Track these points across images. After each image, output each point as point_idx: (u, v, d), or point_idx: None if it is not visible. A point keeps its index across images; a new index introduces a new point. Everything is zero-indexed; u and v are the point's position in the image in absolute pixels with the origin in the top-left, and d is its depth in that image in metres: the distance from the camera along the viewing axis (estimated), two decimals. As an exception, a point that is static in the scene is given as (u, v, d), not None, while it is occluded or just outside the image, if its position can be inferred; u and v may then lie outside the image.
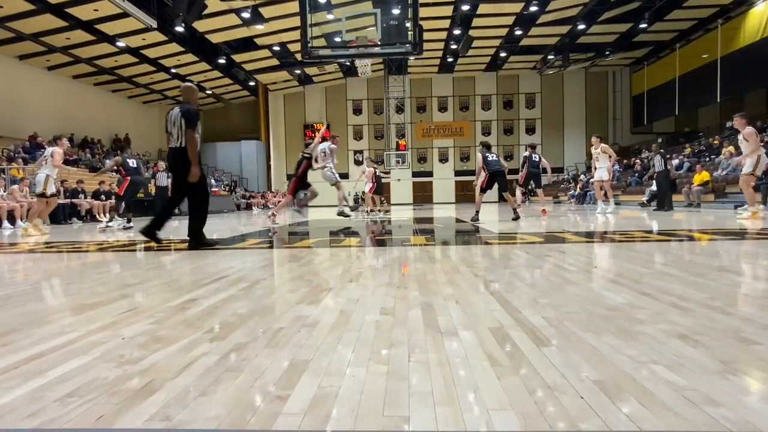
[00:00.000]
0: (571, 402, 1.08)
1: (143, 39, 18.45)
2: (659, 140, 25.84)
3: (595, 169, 10.34)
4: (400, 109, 29.93)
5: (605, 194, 10.25)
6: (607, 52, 25.34)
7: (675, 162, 15.52)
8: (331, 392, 1.16)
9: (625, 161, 24.47)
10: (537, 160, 9.74)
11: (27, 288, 2.75)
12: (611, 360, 1.32)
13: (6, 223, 9.45)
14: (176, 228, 8.91)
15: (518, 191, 11.07)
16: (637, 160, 21.10)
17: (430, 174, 32.01)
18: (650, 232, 5.61)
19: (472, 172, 32.16)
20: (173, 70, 22.41)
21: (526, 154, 9.93)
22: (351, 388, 1.18)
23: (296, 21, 15.14)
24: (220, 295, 2.35)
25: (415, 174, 31.70)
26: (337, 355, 1.42)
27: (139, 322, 1.84)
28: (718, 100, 20.39)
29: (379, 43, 8.20)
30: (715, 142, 17.65)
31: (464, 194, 31.63)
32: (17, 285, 2.86)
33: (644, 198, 14.32)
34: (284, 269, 3.28)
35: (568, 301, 2.06)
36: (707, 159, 15.59)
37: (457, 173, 32.01)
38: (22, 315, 2.03)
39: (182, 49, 20.15)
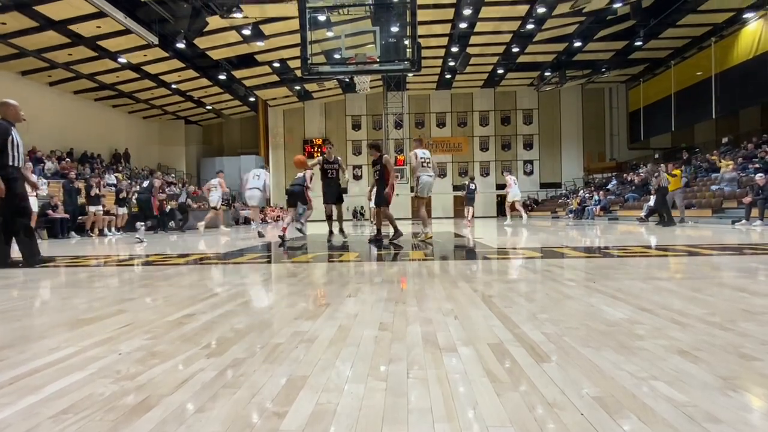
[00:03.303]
0: (571, 418, 1.07)
1: (144, 55, 18.66)
2: (656, 155, 26.07)
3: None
4: (398, 125, 30.15)
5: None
6: (603, 69, 25.65)
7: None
8: (330, 409, 1.15)
9: (624, 175, 24.60)
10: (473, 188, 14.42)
11: (23, 302, 2.73)
12: (611, 376, 1.32)
13: None
14: (173, 242, 8.90)
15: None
16: (635, 175, 21.22)
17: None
18: (648, 247, 5.61)
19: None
20: (174, 86, 22.62)
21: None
22: (349, 404, 1.17)
23: (296, 38, 15.34)
24: (218, 310, 2.34)
25: (413, 189, 31.78)
26: (335, 371, 1.41)
27: (136, 338, 1.83)
28: (714, 116, 20.61)
29: (378, 60, 8.29)
30: (713, 158, 17.77)
31: (462, 209, 31.67)
32: (13, 299, 2.84)
33: (642, 213, 14.36)
34: (282, 284, 3.27)
35: (567, 316, 2.06)
36: (705, 175, 15.67)
37: (456, 188, 32.09)
38: (17, 330, 2.02)
39: (183, 65, 20.36)
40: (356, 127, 32.13)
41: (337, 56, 11.53)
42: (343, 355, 1.55)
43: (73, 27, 15.64)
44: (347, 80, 24.45)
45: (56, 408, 1.18)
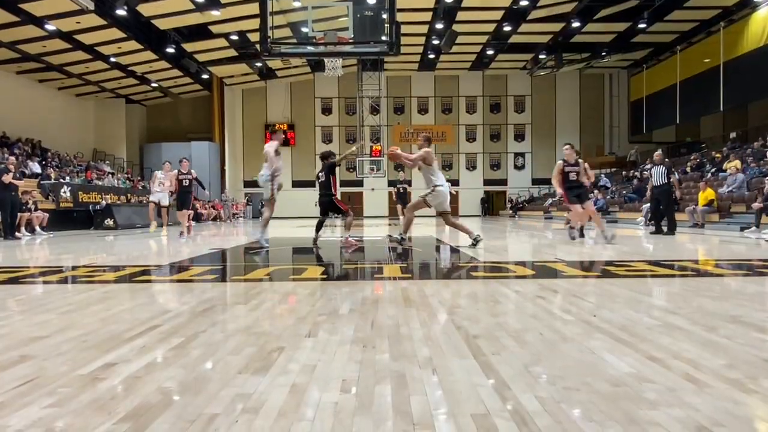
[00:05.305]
0: None
1: (77, 22, 17.96)
2: (659, 151, 26.69)
3: None
4: (375, 110, 29.98)
5: None
6: (603, 53, 26.06)
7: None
8: None
9: (624, 173, 25.09)
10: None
11: None
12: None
13: None
14: (110, 243, 8.57)
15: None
16: (636, 173, 21.64)
17: (408, 183, 32.04)
18: (654, 263, 5.62)
19: (454, 183, 32.41)
20: (113, 59, 21.86)
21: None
22: None
23: (257, 7, 14.95)
24: (146, 357, 2.16)
25: (391, 183, 31.64)
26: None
27: (35, 404, 1.65)
28: (722, 108, 21.17)
29: (351, 40, 8.12)
30: (717, 155, 18.24)
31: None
32: None
33: (642, 216, 14.64)
34: (229, 315, 3.10)
35: (565, 369, 1.97)
36: (710, 174, 16.08)
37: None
38: None
39: (124, 35, 19.68)
40: (326, 111, 31.83)
41: (305, 30, 11.33)
42: (293, 434, 1.42)
43: (-12, -14, 14.94)
44: (316, 58, 24.14)
45: None
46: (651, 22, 21.98)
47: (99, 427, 1.48)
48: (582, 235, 9.00)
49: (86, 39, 19.56)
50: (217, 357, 2.19)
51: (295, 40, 10.33)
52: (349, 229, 7.88)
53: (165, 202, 11.67)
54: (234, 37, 22.42)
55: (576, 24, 22.68)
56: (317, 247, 7.76)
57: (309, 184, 31.51)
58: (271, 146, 7.54)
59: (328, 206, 7.81)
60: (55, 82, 23.56)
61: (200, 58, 24.28)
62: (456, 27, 22.42)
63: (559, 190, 8.58)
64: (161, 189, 11.58)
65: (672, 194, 10.20)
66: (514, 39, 24.91)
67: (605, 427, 1.45)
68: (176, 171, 11.03)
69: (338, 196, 8.02)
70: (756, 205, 10.70)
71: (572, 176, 8.36)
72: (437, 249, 8.21)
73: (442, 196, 7.03)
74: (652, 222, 10.94)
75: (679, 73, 23.57)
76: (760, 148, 16.44)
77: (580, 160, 8.50)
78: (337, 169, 8.17)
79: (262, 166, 7.60)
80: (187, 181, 10.87)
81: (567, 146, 8.72)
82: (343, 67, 22.31)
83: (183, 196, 10.97)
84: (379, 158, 27.91)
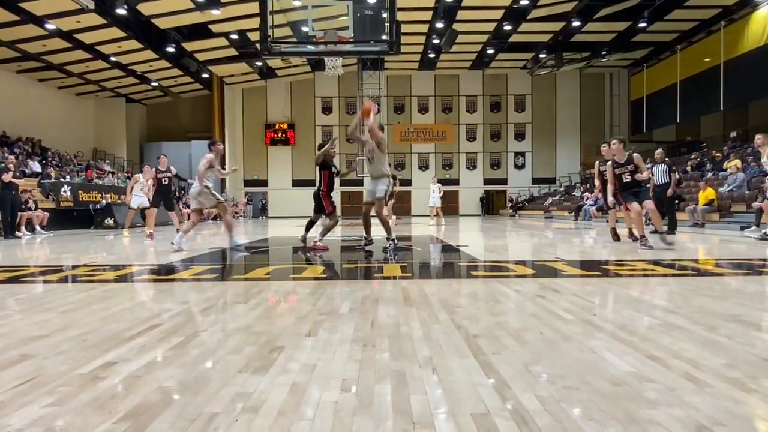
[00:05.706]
0: None
1: (78, 21, 17.96)
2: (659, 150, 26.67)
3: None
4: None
5: None
6: (603, 52, 26.04)
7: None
8: None
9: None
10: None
11: None
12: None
13: None
14: (110, 242, 8.57)
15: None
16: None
17: (408, 183, 32.02)
18: (654, 263, 5.62)
19: (455, 182, 32.41)
20: (113, 58, 21.86)
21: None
22: None
23: (257, 6, 14.93)
24: (146, 356, 2.16)
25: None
26: (281, 462, 1.27)
27: (35, 403, 1.65)
28: (722, 108, 21.15)
29: (351, 39, 8.11)
30: (718, 155, 18.22)
31: (446, 206, 31.77)
32: None
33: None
34: (229, 315, 3.10)
35: (565, 368, 1.97)
36: (711, 173, 16.07)
37: (439, 182, 32.22)
38: None
39: (124, 34, 19.68)
40: (327, 110, 31.82)
41: (305, 29, 11.35)
42: (293, 433, 1.42)
43: (-12, -15, 14.94)
44: (316, 57, 24.13)
45: None
46: (651, 22, 21.98)
47: (99, 426, 1.48)
48: (618, 239, 8.30)
49: (86, 38, 19.56)
50: (217, 356, 2.19)
51: (295, 39, 10.33)
52: (326, 233, 7.49)
53: (146, 204, 11.02)
54: (234, 37, 22.42)
55: (576, 23, 22.67)
56: (305, 245, 7.48)
57: (309, 183, 31.55)
58: (205, 159, 7.33)
59: (317, 200, 7.51)
60: (55, 81, 23.57)
61: (200, 57, 24.27)
62: (456, 26, 22.40)
63: (610, 198, 7.47)
64: (141, 194, 11.14)
65: (673, 192, 10.27)
66: (515, 38, 24.90)
67: (605, 426, 1.45)
68: (154, 169, 10.26)
69: (331, 195, 7.54)
70: (756, 205, 10.67)
71: (626, 177, 6.90)
72: (437, 248, 8.21)
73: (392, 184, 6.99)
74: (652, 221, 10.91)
75: (680, 73, 23.55)
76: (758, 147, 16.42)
77: (634, 155, 6.95)
78: (335, 165, 7.97)
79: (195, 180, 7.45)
80: (167, 179, 10.08)
81: (615, 142, 7.16)
82: (343, 66, 22.27)
83: (165, 195, 10.31)
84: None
